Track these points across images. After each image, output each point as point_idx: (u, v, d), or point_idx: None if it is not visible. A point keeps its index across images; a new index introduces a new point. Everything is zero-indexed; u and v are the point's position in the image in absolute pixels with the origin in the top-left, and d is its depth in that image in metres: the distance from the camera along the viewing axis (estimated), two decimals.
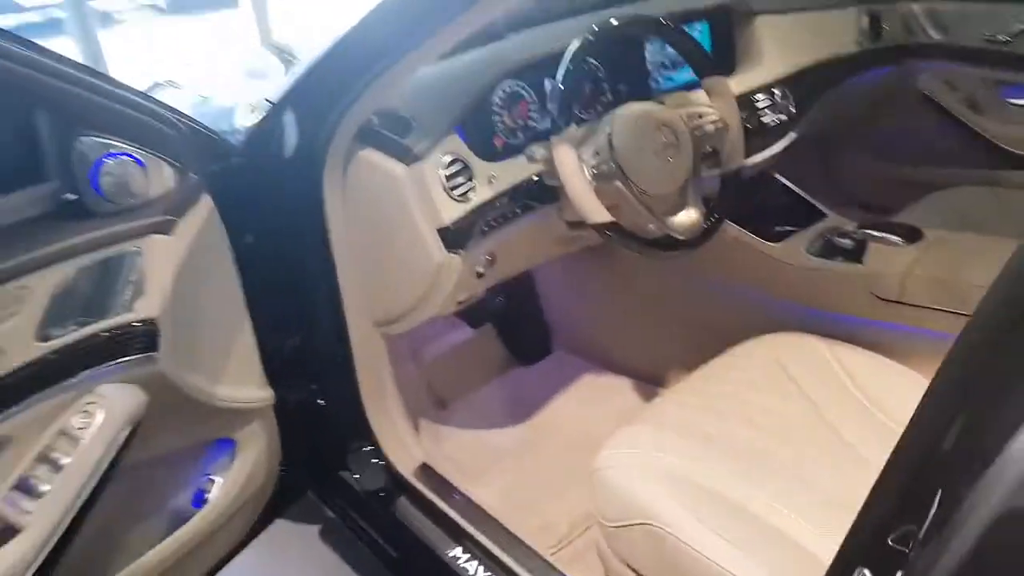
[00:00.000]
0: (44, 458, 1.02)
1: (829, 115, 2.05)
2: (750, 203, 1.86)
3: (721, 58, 1.89)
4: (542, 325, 2.15)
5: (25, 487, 1.00)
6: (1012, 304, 0.60)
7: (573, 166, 1.30)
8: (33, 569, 0.96)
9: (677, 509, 1.13)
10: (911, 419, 0.65)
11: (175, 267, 1.14)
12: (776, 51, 1.92)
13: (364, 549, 1.63)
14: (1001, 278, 0.61)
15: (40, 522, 0.98)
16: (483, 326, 2.08)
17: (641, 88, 1.69)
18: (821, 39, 2.02)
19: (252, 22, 5.30)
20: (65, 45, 4.18)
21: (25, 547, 0.96)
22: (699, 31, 1.83)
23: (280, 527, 1.90)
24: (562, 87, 1.32)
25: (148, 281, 1.11)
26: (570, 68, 1.33)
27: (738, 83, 1.81)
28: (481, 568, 1.33)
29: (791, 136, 1.90)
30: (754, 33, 1.91)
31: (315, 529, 1.89)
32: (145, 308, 1.10)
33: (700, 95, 1.56)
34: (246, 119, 1.47)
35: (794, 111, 1.90)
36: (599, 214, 1.30)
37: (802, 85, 1.92)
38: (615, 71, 1.66)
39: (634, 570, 1.21)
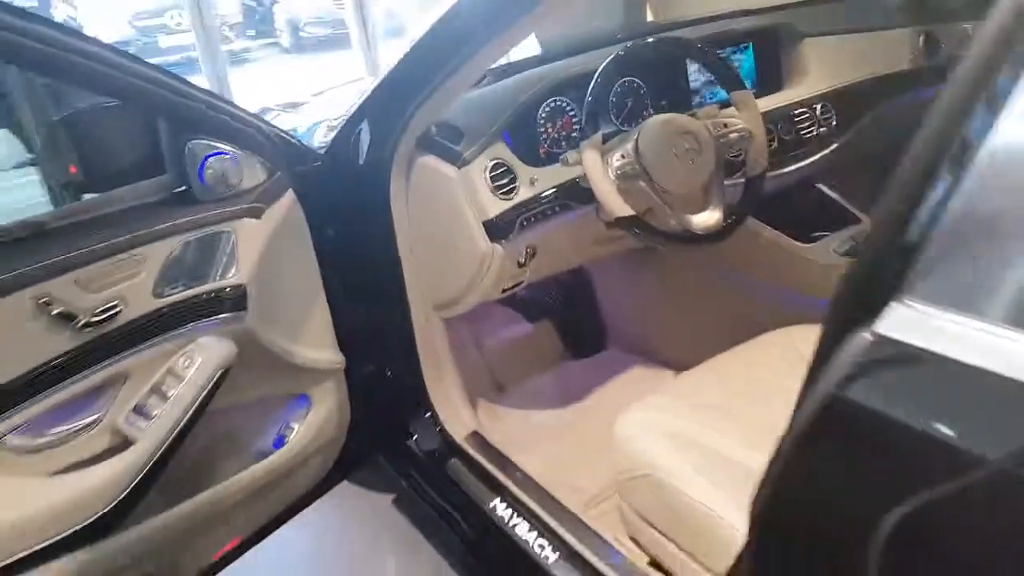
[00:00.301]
0: (156, 390, 1.29)
1: (883, 128, 2.15)
2: (790, 208, 1.99)
3: (767, 77, 2.04)
4: (597, 323, 2.33)
5: (140, 411, 1.27)
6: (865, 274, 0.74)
7: (597, 167, 1.49)
8: (143, 473, 1.23)
9: (678, 462, 1.29)
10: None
11: (261, 245, 1.40)
12: (823, 70, 2.05)
13: (430, 514, 1.83)
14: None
15: (149, 437, 1.24)
16: (541, 322, 2.28)
17: (683, 103, 1.87)
18: (873, 58, 2.13)
19: (362, 60, 5.76)
20: (199, 81, 4.67)
21: (137, 455, 1.22)
22: (744, 52, 1.99)
23: (356, 492, 2.15)
24: (591, 98, 1.52)
25: (239, 255, 1.37)
26: (599, 82, 1.53)
27: (780, 99, 1.96)
28: (516, 517, 1.52)
29: (832, 147, 2.02)
30: (800, 53, 2.05)
31: (388, 497, 2.13)
32: (236, 276, 1.36)
33: (732, 109, 1.72)
34: (325, 136, 1.74)
35: (835, 124, 2.02)
36: (620, 209, 1.49)
37: (848, 100, 2.05)
38: (658, 88, 1.84)
39: (643, 517, 1.37)
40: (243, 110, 1.47)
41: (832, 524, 0.71)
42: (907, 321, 0.64)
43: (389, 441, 1.85)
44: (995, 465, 0.58)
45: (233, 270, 1.36)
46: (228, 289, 1.35)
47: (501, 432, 1.88)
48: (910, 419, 0.64)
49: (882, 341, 0.65)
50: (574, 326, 2.32)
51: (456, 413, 1.78)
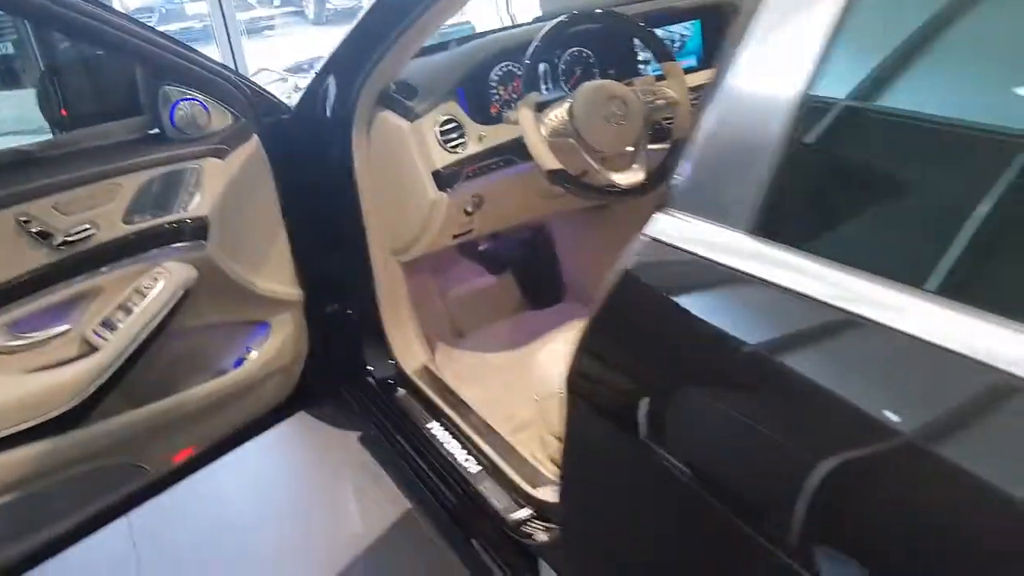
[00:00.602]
0: (123, 306, 1.46)
1: None
2: None
3: (712, 52, 2.16)
4: (556, 277, 2.48)
5: (108, 324, 1.45)
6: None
7: (530, 123, 1.64)
8: (105, 377, 1.41)
9: None
10: None
11: (225, 183, 1.57)
12: None
13: (392, 454, 2.00)
14: None
15: (111, 346, 1.42)
16: (503, 275, 2.44)
17: (629, 74, 2.00)
18: None
19: None
20: (211, 49, 4.86)
21: (101, 359, 1.41)
22: (692, 27, 2.12)
23: (323, 428, 2.35)
24: (529, 62, 1.67)
25: (203, 190, 1.54)
26: (538, 47, 1.68)
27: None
28: (450, 437, 1.70)
29: None
30: None
31: (355, 435, 2.32)
32: (199, 208, 1.53)
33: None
34: (289, 97, 1.91)
35: None
36: (550, 162, 1.64)
37: None
38: (606, 58, 1.99)
39: (554, 435, 1.53)
40: (214, 62, 1.63)
41: (616, 383, 0.89)
42: (665, 225, 0.81)
43: (350, 375, 2.02)
44: (715, 335, 0.75)
45: (196, 203, 1.53)
46: (190, 220, 1.52)
47: (453, 370, 2.05)
48: (661, 288, 0.81)
49: (647, 240, 0.82)
50: (534, 279, 2.47)
51: (409, 348, 1.95)
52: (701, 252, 0.77)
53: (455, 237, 1.89)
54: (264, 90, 1.77)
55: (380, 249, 1.89)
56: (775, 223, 0.72)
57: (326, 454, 2.33)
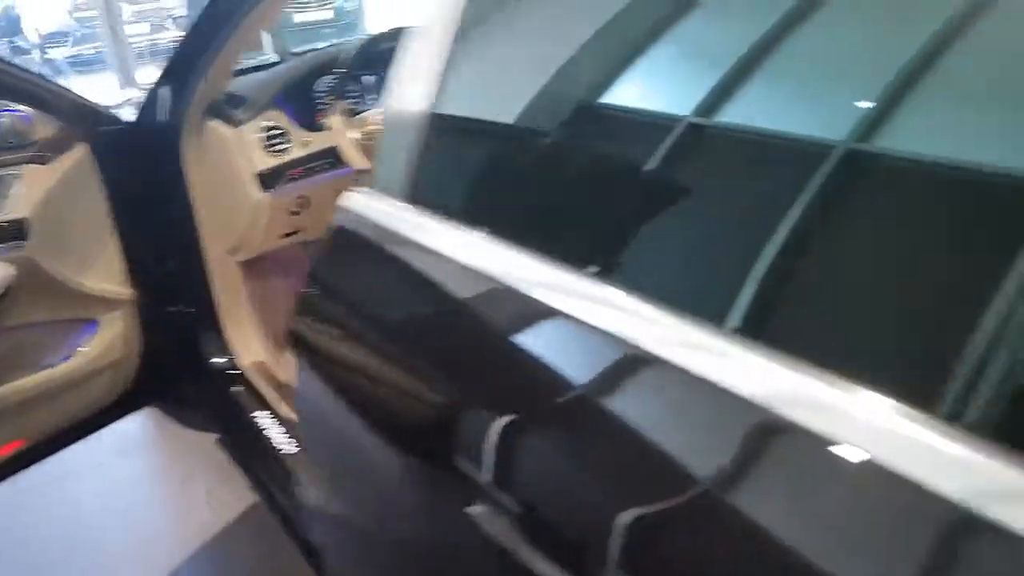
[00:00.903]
0: None
1: None
2: None
3: None
4: None
5: None
6: None
7: (340, 128, 1.78)
8: None
9: None
10: None
11: (47, 187, 1.66)
12: None
13: (239, 448, 2.08)
14: None
15: None
16: None
17: None
18: None
19: None
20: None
21: None
22: None
23: (179, 429, 2.41)
24: (344, 71, 1.81)
25: (23, 193, 1.63)
26: (352, 60, 1.82)
27: None
28: (275, 422, 1.80)
29: None
30: None
31: (211, 436, 2.39)
32: (17, 211, 1.62)
33: None
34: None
35: None
36: (359, 162, 1.78)
37: None
38: None
39: None
40: (37, 76, 1.73)
41: (315, 339, 1.01)
42: (356, 200, 0.96)
43: (191, 371, 2.10)
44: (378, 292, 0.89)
45: (14, 206, 1.62)
46: (8, 222, 1.61)
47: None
48: (340, 251, 0.96)
49: (341, 209, 0.96)
50: None
51: (247, 344, 2.06)
52: (371, 218, 0.93)
53: (285, 236, 2.00)
54: (92, 102, 1.86)
55: (216, 248, 1.99)
56: (421, 193, 0.88)
57: (182, 452, 2.40)
